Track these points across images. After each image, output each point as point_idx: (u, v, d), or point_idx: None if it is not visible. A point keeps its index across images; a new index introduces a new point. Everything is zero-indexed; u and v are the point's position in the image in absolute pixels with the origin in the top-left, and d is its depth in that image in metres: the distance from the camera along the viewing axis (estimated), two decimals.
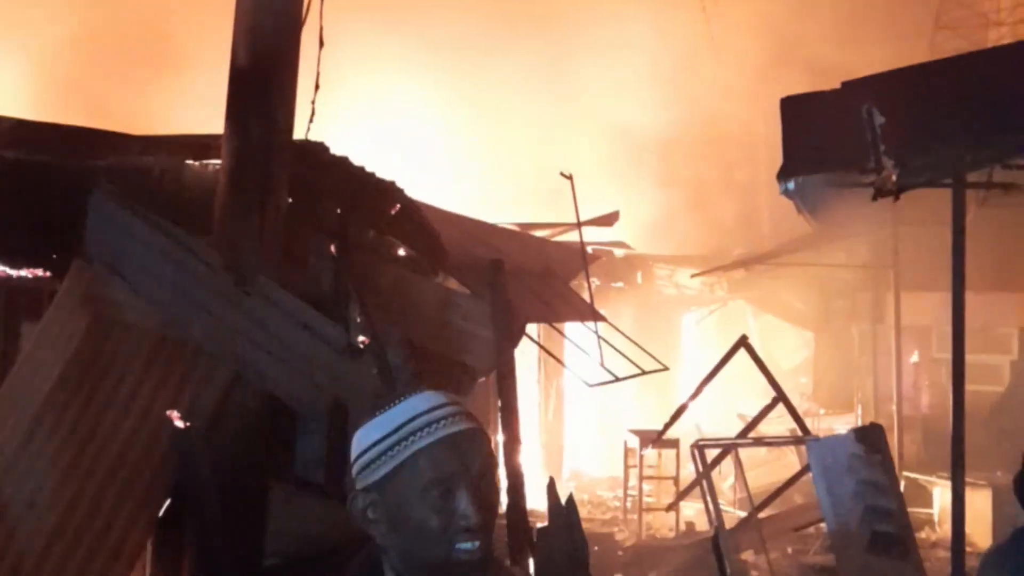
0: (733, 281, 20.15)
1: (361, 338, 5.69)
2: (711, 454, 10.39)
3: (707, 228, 22.94)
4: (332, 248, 6.17)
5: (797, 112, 7.50)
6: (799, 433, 10.64)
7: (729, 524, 11.52)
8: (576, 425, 18.57)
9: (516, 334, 8.05)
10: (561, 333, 11.59)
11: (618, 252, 18.50)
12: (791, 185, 8.08)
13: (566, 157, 22.02)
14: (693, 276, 18.88)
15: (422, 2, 20.75)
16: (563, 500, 6.53)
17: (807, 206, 10.05)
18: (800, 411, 21.90)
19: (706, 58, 23.07)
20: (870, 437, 9.13)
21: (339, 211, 7.43)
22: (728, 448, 10.76)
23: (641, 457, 13.76)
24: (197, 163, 6.20)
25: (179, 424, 4.64)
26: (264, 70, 6.07)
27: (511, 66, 21.13)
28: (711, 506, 9.46)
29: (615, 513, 15.12)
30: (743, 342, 10.49)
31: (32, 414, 5.64)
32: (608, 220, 15.63)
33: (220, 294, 4.97)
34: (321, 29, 7.36)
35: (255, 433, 5.06)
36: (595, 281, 17.69)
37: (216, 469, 5.17)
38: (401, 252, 9.33)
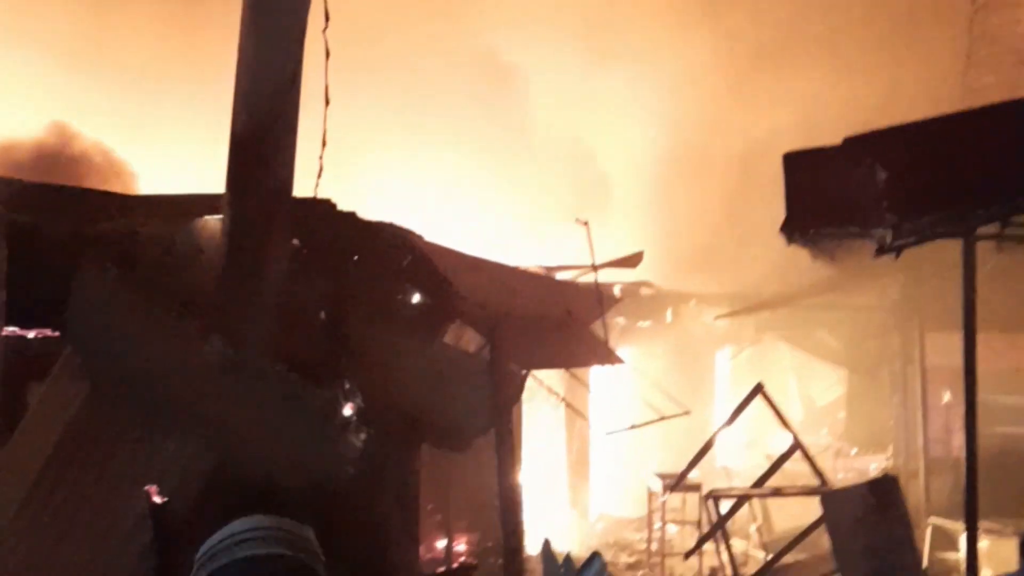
0: (761, 320, 20.03)
1: (349, 408, 5.75)
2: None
3: (737, 265, 22.86)
4: (322, 314, 6.22)
5: (800, 167, 7.49)
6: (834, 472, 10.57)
7: (754, 568, 11.47)
8: (604, 465, 18.50)
9: (514, 393, 8.07)
10: (577, 379, 11.57)
11: (645, 291, 18.48)
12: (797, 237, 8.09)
13: (593, 194, 22.17)
14: (716, 318, 18.80)
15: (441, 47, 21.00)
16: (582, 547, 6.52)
17: (823, 252, 10.04)
18: (832, 450, 21.85)
19: (741, 95, 23.08)
20: (884, 489, 9.05)
21: (343, 266, 7.50)
22: (741, 499, 10.67)
23: (663, 502, 13.69)
24: (200, 224, 6.30)
25: (156, 500, 4.71)
26: (263, 135, 6.17)
27: (537, 98, 21.34)
28: (726, 557, 9.39)
29: (641, 556, 15.04)
30: (759, 390, 10.44)
31: (32, 477, 5.75)
32: (631, 261, 15.62)
33: (206, 368, 5.04)
34: (327, 87, 7.48)
35: (246, 509, 5.09)
36: (620, 320, 17.71)
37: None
38: (416, 299, 9.41)
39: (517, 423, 15.08)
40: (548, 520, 15.89)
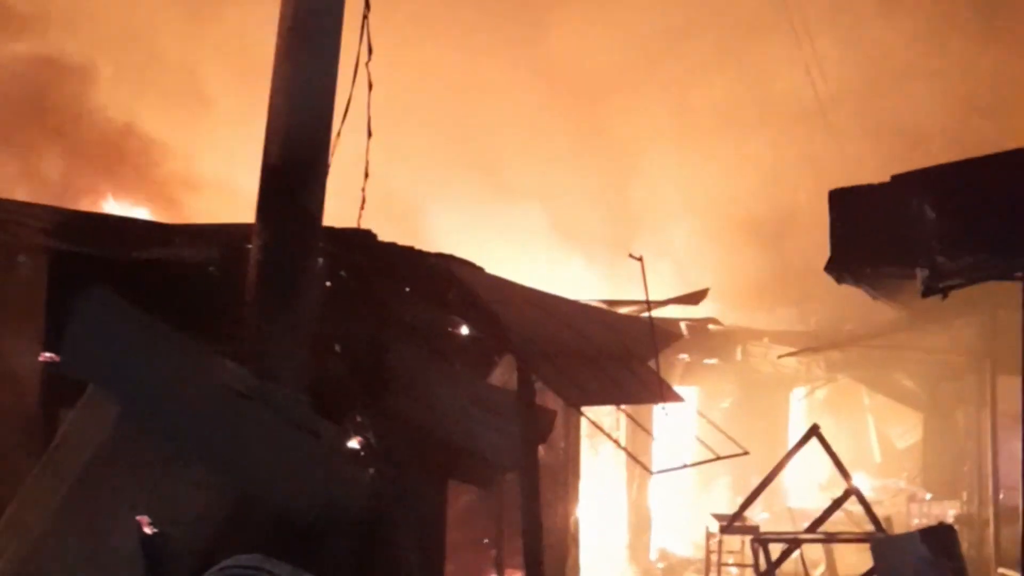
0: (832, 360, 19.65)
1: (357, 440, 5.74)
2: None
3: (807, 304, 22.52)
4: (337, 347, 6.24)
5: (846, 204, 7.33)
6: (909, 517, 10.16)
7: None
8: (668, 505, 18.24)
9: (544, 430, 7.99)
10: (635, 420, 11.41)
11: (713, 328, 18.24)
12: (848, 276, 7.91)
13: (660, 229, 22.06)
14: (780, 357, 18.48)
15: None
16: None
17: (882, 293, 9.80)
18: (906, 494, 21.26)
19: (812, 130, 22.83)
20: (940, 539, 8.75)
21: (383, 297, 7.52)
22: (792, 544, 10.40)
23: (720, 542, 13.41)
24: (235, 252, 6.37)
25: (148, 531, 4.73)
26: (296, 168, 6.23)
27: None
28: None
29: None
30: (814, 431, 10.21)
31: (60, 501, 5.81)
32: (695, 298, 15.43)
33: (221, 396, 5.07)
34: (369, 120, 7.57)
35: (264, 542, 5.09)
36: (684, 357, 17.49)
37: None
38: (465, 331, 9.39)
39: (574, 460, 15.00)
40: (606, 559, 15.70)
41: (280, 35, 6.26)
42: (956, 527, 17.01)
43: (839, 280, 7.85)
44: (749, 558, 14.27)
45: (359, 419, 5.81)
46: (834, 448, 26.01)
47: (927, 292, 7.09)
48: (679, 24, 22.97)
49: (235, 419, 4.96)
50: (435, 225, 19.51)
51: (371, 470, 5.64)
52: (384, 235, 8.53)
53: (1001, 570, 13.51)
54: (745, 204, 22.99)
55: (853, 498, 10.44)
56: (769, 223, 22.30)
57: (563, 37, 22.11)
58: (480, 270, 10.97)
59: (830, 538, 10.67)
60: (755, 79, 23.44)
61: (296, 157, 6.20)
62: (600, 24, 22.51)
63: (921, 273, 6.65)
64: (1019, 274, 7.39)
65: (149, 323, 5.12)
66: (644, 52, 22.74)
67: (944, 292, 7.06)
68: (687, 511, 18.61)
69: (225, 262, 6.43)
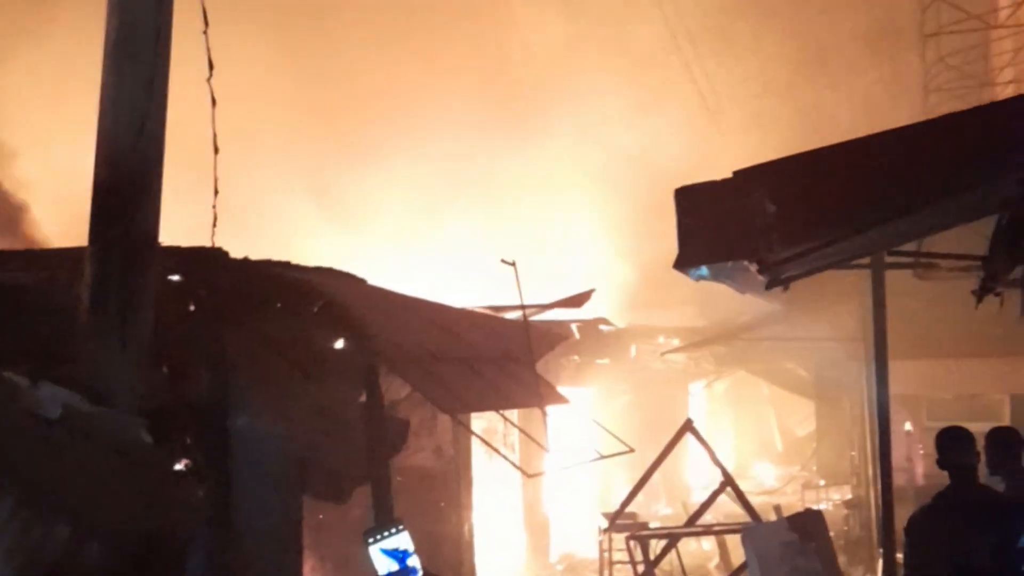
0: (718, 355, 19.97)
1: (184, 461, 5.68)
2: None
3: (707, 302, 22.85)
4: (164, 369, 6.15)
5: (691, 201, 7.45)
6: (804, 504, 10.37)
7: None
8: (567, 505, 18.34)
9: (395, 442, 7.98)
10: (508, 420, 11.45)
11: (604, 328, 18.40)
12: (704, 271, 8.03)
13: (549, 231, 22.20)
14: (663, 354, 18.74)
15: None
16: None
17: (745, 287, 9.96)
18: (800, 481, 21.67)
19: (692, 112, 23.19)
20: (807, 524, 8.96)
21: (235, 315, 7.44)
22: (673, 538, 10.54)
23: (611, 540, 13.50)
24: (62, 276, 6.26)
25: None
26: (126, 189, 6.13)
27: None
28: None
29: None
30: (688, 427, 10.35)
31: None
32: (578, 300, 15.55)
33: (15, 428, 4.94)
34: (215, 136, 7.49)
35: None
36: (575, 358, 17.63)
37: None
38: (338, 345, 9.33)
39: (466, 467, 15.00)
40: (503, 564, 15.73)
41: (105, 53, 6.16)
42: (847, 511, 17.46)
43: (697, 277, 7.98)
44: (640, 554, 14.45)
45: (189, 440, 5.73)
46: (739, 439, 26.36)
47: (770, 284, 7.25)
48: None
49: (40, 447, 4.85)
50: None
51: (199, 492, 5.57)
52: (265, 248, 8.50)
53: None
54: (638, 198, 23.28)
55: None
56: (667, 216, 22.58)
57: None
58: (359, 281, 10.93)
59: (705, 530, 10.83)
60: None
61: (126, 177, 6.10)
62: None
63: (752, 266, 6.77)
64: (857, 262, 7.59)
65: None
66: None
67: (785, 284, 7.22)
68: (588, 512, 18.74)
69: (59, 285, 6.30)
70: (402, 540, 4.60)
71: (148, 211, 6.20)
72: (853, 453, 18.10)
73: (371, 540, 4.55)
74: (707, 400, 27.10)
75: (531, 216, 22.22)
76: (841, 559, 14.21)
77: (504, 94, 23.01)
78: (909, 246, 8.70)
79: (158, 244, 6.34)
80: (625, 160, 22.97)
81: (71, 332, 6.04)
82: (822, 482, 20.13)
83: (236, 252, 8.17)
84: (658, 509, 20.81)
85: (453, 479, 14.47)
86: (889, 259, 8.29)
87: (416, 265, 18.69)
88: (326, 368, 7.96)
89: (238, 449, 6.21)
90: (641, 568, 10.43)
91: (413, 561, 4.59)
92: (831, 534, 12.42)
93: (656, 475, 19.47)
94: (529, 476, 11.21)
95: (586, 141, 22.72)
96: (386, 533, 4.57)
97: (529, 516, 16.71)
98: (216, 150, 7.48)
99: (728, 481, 10.31)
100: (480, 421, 15.02)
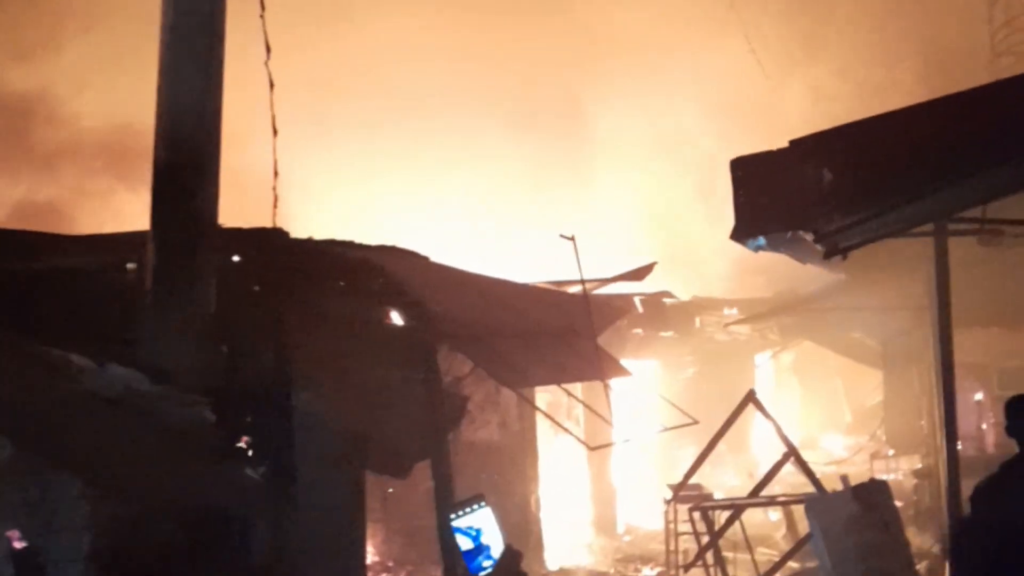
0: (783, 326, 19.76)
1: (244, 440, 5.78)
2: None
3: (775, 272, 22.61)
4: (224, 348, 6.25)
5: (747, 172, 7.41)
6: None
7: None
8: (634, 478, 18.35)
9: (454, 418, 8.04)
10: (570, 394, 11.48)
11: (668, 301, 18.31)
12: (761, 242, 7.97)
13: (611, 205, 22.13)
14: (727, 325, 18.59)
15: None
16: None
17: (806, 257, 9.86)
18: (869, 451, 21.43)
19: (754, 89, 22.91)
20: (871, 494, 8.88)
21: (297, 293, 7.55)
22: (736, 509, 10.50)
23: (676, 511, 13.46)
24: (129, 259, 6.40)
25: (16, 545, 4.76)
26: (185, 171, 6.25)
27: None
28: (718, 571, 9.25)
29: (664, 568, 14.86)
30: (750, 398, 10.29)
31: None
32: (640, 274, 15.49)
33: (77, 408, 5.08)
34: (273, 118, 7.58)
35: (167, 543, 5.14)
36: (638, 332, 17.58)
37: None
38: (399, 322, 9.42)
39: (531, 441, 15.07)
40: (571, 536, 15.81)
41: (161, 38, 6.27)
42: (916, 480, 17.22)
43: (750, 247, 7.93)
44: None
45: (250, 419, 5.84)
46: (806, 410, 25.92)
47: (827, 254, 7.18)
48: None
49: (104, 427, 4.97)
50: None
51: (261, 470, 5.68)
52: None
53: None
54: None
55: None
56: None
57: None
58: (421, 258, 11.01)
59: (768, 502, 10.78)
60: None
61: (184, 160, 6.22)
62: None
63: (810, 235, 6.72)
64: (919, 230, 7.48)
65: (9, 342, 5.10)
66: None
67: (844, 253, 7.15)
68: (654, 484, 18.72)
69: (121, 269, 6.45)
70: (479, 518, 4.65)
71: (208, 193, 6.32)
72: (922, 422, 17.79)
73: (452, 517, 4.62)
74: (774, 371, 26.85)
75: (594, 193, 22.22)
76: (911, 529, 14.06)
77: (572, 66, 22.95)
78: (973, 213, 8.53)
79: (218, 225, 6.45)
80: (684, 132, 22.83)
81: (135, 314, 6.19)
82: (891, 452, 19.85)
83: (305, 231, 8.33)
84: (725, 480, 20.72)
85: (519, 453, 14.57)
86: (952, 226, 8.13)
87: (480, 241, 18.77)
88: (387, 345, 8.04)
89: (300, 426, 6.31)
90: (705, 539, 10.41)
91: (488, 538, 4.65)
92: (899, 504, 12.31)
93: (723, 446, 19.41)
94: (591, 449, 11.22)
95: (646, 112, 22.58)
96: (467, 510, 4.64)
97: (596, 488, 16.76)
98: (275, 132, 7.57)
99: (791, 451, 10.24)
100: (545, 395, 15.06)
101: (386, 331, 9.09)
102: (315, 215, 16.85)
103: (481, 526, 4.74)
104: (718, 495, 14.54)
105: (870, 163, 6.97)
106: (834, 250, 7.06)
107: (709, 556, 10.41)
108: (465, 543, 4.65)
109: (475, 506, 4.68)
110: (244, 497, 5.37)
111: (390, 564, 13.26)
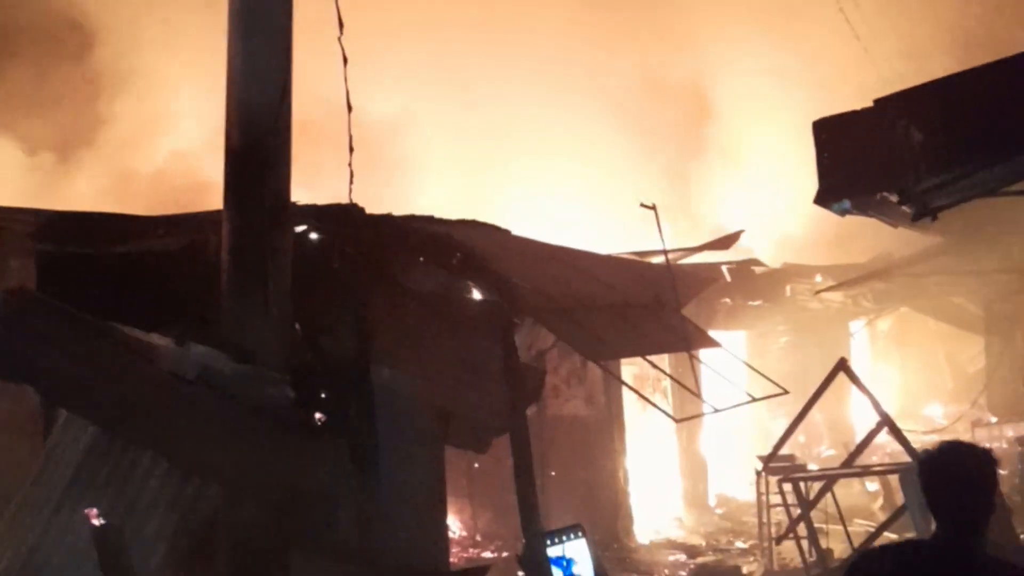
0: (877, 292, 19.27)
1: (319, 416, 5.78)
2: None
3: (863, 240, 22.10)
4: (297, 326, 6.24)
5: (830, 134, 7.17)
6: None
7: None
8: (725, 449, 18.11)
9: (531, 393, 7.95)
10: (654, 365, 11.33)
11: (757, 269, 17.98)
12: (847, 205, 7.73)
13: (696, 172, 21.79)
14: (817, 292, 18.16)
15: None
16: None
17: (896, 219, 9.55)
18: (970, 419, 20.86)
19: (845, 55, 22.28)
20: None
21: (375, 270, 7.54)
22: (828, 480, 10.26)
23: (767, 482, 13.23)
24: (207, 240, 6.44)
25: (96, 522, 4.81)
26: (258, 147, 6.25)
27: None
28: (810, 544, 9.06)
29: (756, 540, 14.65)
30: (842, 366, 10.03)
31: (56, 498, 5.95)
32: (726, 242, 15.23)
33: (155, 388, 5.12)
34: (348, 93, 7.56)
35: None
36: (727, 301, 17.30)
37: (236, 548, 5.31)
38: (479, 296, 9.38)
39: (618, 414, 14.94)
40: (661, 508, 15.68)
41: (230, 21, 6.28)
42: (1021, 448, 16.69)
43: (835, 210, 7.69)
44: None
45: (332, 396, 5.84)
46: (906, 378, 25.25)
47: (916, 216, 6.93)
48: None
49: (185, 408, 5.01)
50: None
51: (344, 447, 5.68)
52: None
53: None
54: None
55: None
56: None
57: None
58: (503, 232, 10.94)
59: (861, 472, 10.52)
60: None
61: (256, 140, 6.23)
62: None
63: (893, 197, 6.47)
64: (1013, 188, 7.17)
65: (77, 319, 5.16)
66: None
67: (934, 215, 6.89)
68: (746, 456, 18.47)
69: (201, 249, 6.50)
70: (574, 548, 4.58)
71: (281, 172, 6.32)
72: None
73: (549, 544, 4.56)
74: (869, 339, 26.23)
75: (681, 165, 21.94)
76: (1016, 499, 13.62)
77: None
78: None
79: (293, 203, 6.45)
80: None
81: (215, 294, 6.23)
82: (993, 419, 19.29)
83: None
84: (820, 451, 20.35)
85: (606, 426, 14.46)
86: None
87: (562, 214, 18.64)
88: (467, 320, 8.01)
89: (381, 403, 6.31)
90: (796, 511, 10.21)
91: (580, 568, 4.56)
92: (1004, 472, 11.92)
93: (818, 416, 19.09)
94: (677, 421, 11.05)
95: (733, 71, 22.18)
96: (564, 538, 4.57)
97: (686, 460, 16.56)
98: (349, 108, 7.55)
99: (885, 420, 9.97)
100: (631, 367, 14.92)
101: (466, 305, 9.05)
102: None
103: (574, 556, 4.66)
104: (812, 466, 14.27)
105: (962, 120, 6.68)
106: (923, 211, 6.81)
107: (801, 528, 10.20)
108: (558, 574, 4.56)
109: (572, 535, 4.59)
110: (327, 475, 5.38)
111: (478, 538, 13.29)
